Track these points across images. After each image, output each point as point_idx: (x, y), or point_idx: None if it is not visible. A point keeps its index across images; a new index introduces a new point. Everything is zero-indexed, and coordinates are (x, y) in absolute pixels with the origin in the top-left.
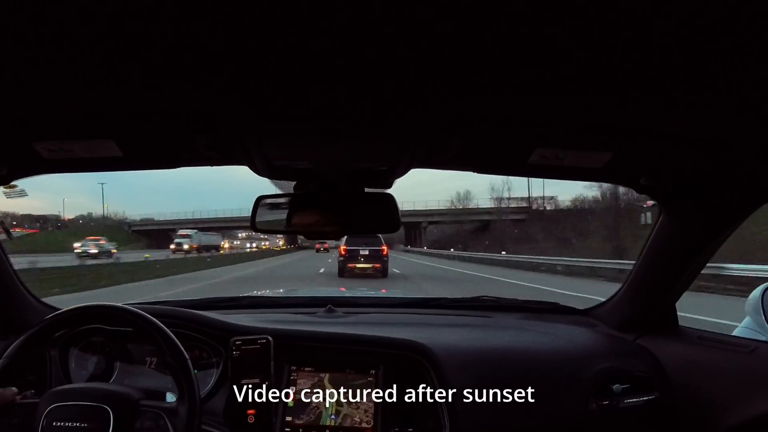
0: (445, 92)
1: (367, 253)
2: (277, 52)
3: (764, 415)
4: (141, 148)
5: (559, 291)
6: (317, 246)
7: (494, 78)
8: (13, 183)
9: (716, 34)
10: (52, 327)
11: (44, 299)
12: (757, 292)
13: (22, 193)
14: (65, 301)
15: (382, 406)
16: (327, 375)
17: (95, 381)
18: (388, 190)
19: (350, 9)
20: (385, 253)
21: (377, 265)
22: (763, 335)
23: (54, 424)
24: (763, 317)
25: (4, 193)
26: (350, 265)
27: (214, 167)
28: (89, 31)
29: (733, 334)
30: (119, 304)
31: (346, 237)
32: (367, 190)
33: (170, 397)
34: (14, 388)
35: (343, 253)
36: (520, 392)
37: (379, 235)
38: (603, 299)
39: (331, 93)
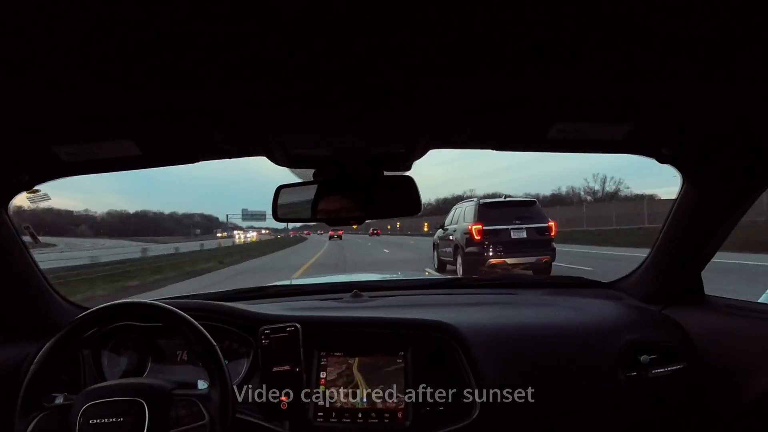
0: (461, 73)
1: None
2: (290, 41)
3: None
4: (160, 146)
5: None
6: (330, 233)
7: (510, 56)
8: (35, 188)
9: (738, 4)
10: (81, 327)
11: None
12: None
13: (45, 198)
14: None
15: (412, 387)
16: (356, 359)
17: (128, 377)
18: (408, 173)
19: None
20: None
21: None
22: None
23: (90, 422)
24: None
25: (28, 198)
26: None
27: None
28: (103, 34)
29: (759, 300)
30: (147, 300)
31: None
32: (386, 173)
33: (202, 384)
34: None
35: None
36: (548, 368)
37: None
38: None
39: (347, 79)
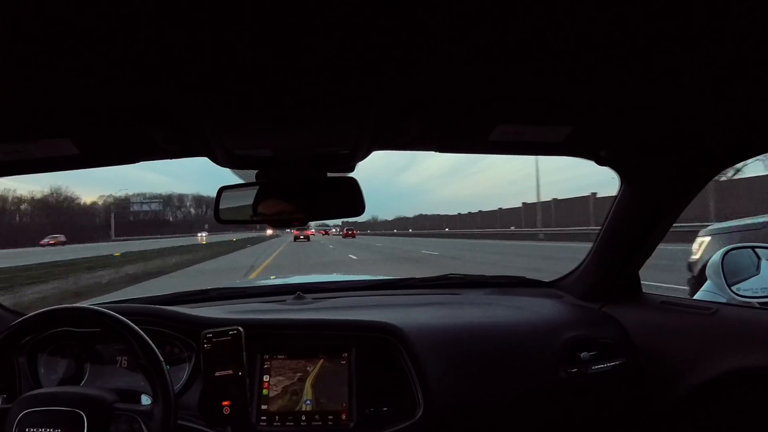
0: (402, 73)
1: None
2: (230, 40)
3: (726, 373)
4: (98, 145)
5: None
6: (296, 233)
7: (451, 57)
8: None
9: (671, 7)
10: (17, 333)
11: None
12: (717, 255)
13: None
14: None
15: (356, 388)
16: (300, 361)
17: (66, 385)
18: (351, 174)
19: None
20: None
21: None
22: (724, 297)
23: (27, 430)
24: (723, 280)
25: None
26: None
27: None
28: (38, 27)
29: (694, 297)
30: (85, 305)
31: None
32: (329, 174)
33: (145, 400)
34: None
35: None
36: (490, 366)
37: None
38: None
39: (288, 78)
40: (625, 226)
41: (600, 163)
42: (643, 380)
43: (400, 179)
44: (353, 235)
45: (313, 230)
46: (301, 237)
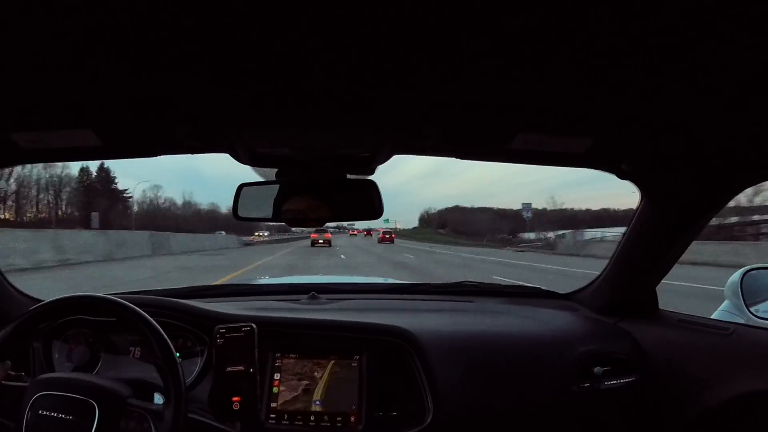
0: (425, 80)
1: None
2: (257, 40)
3: (741, 395)
4: (120, 137)
5: None
6: (313, 236)
7: (473, 65)
8: None
9: (696, 20)
10: (34, 319)
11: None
12: (736, 276)
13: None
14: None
15: (366, 391)
16: (311, 361)
17: (80, 372)
18: (371, 177)
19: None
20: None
21: None
22: (742, 318)
23: (40, 412)
24: (742, 300)
25: None
26: None
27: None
28: (66, 20)
29: (712, 317)
30: (102, 295)
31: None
32: (349, 176)
33: (158, 399)
34: (8, 362)
35: None
36: (502, 376)
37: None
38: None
39: (312, 80)
40: (644, 240)
41: (621, 176)
42: (657, 398)
43: (382, 182)
44: (390, 240)
45: (330, 233)
46: (320, 242)
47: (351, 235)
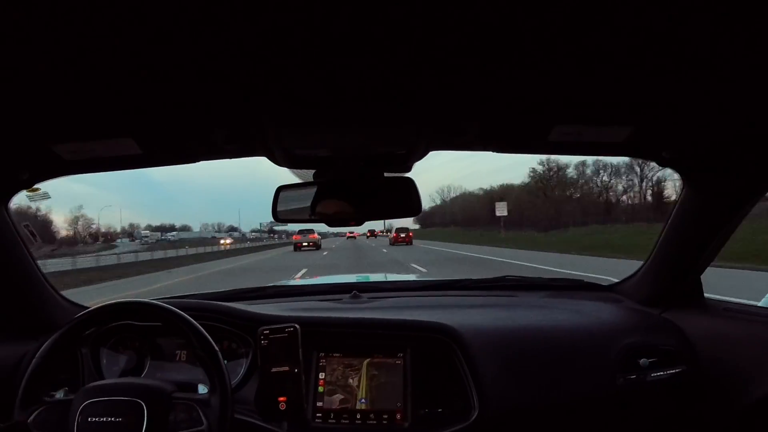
0: (463, 74)
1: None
2: (292, 42)
3: None
4: (160, 145)
5: None
6: (295, 237)
7: (511, 58)
8: (35, 186)
9: (736, 5)
10: (81, 326)
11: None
12: None
13: (46, 196)
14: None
15: (411, 389)
16: (356, 360)
17: (127, 376)
18: (408, 174)
19: None
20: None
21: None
22: None
23: (89, 419)
24: None
25: (28, 197)
26: None
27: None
28: (103, 31)
29: (759, 304)
30: (146, 300)
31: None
32: (386, 174)
33: (202, 389)
34: None
35: None
36: (546, 371)
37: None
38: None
39: (349, 79)
40: (687, 229)
41: (662, 164)
42: (705, 390)
43: None
44: (407, 240)
45: (357, 232)
46: (305, 244)
47: (348, 237)
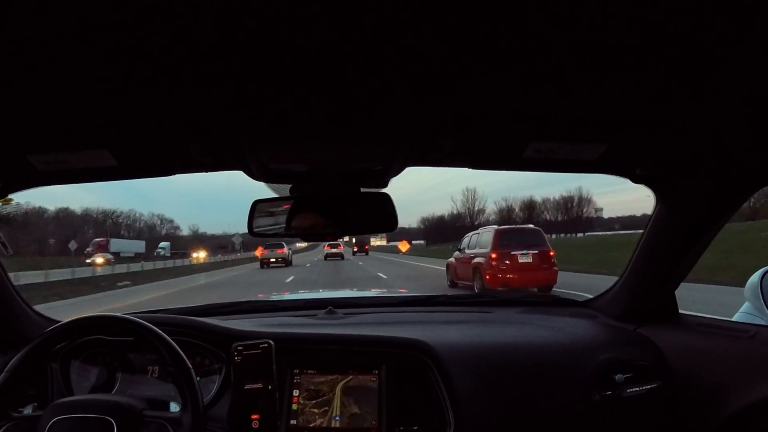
0: (438, 91)
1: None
2: (268, 56)
3: (765, 399)
4: (135, 157)
5: None
6: (326, 248)
7: (486, 75)
8: (8, 197)
9: (708, 24)
10: (51, 340)
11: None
12: (755, 276)
13: (19, 207)
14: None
15: (386, 406)
16: (330, 377)
17: (97, 392)
18: (384, 190)
19: (339, 11)
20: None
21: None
22: (763, 320)
23: None
24: (762, 302)
25: None
26: None
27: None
28: (79, 42)
29: (732, 319)
30: (118, 314)
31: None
32: (362, 190)
33: (174, 407)
34: None
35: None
36: (522, 387)
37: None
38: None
39: (324, 95)
40: (660, 245)
41: (635, 181)
42: (680, 404)
43: None
44: (366, 251)
45: (342, 246)
46: (334, 254)
47: (329, 254)
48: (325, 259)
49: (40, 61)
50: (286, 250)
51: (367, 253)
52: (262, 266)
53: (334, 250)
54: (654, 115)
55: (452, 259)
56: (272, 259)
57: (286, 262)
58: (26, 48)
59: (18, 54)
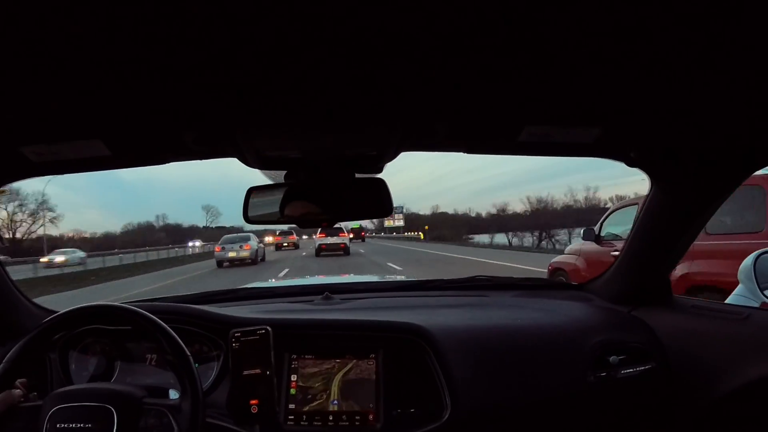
0: (432, 75)
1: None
2: (260, 43)
3: (758, 380)
4: (128, 146)
5: None
6: (319, 235)
7: (481, 59)
8: (1, 188)
9: (700, 9)
10: (50, 330)
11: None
12: (749, 259)
13: (12, 198)
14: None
15: (383, 389)
16: (328, 361)
17: (97, 381)
18: (379, 175)
19: None
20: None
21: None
22: (756, 302)
23: (58, 426)
24: (756, 284)
25: None
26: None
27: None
28: (72, 31)
29: (726, 301)
30: (116, 303)
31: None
32: (357, 175)
33: (173, 394)
34: (19, 390)
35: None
36: (518, 369)
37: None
38: None
39: (318, 81)
40: (655, 228)
41: (630, 164)
42: (673, 386)
43: None
44: (362, 237)
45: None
46: (325, 245)
47: (322, 243)
48: (317, 254)
49: (32, 53)
50: (249, 245)
51: (363, 240)
52: (317, 254)
53: (331, 240)
54: (647, 99)
55: (570, 257)
56: (231, 255)
57: (347, 252)
58: (17, 40)
59: (9, 45)
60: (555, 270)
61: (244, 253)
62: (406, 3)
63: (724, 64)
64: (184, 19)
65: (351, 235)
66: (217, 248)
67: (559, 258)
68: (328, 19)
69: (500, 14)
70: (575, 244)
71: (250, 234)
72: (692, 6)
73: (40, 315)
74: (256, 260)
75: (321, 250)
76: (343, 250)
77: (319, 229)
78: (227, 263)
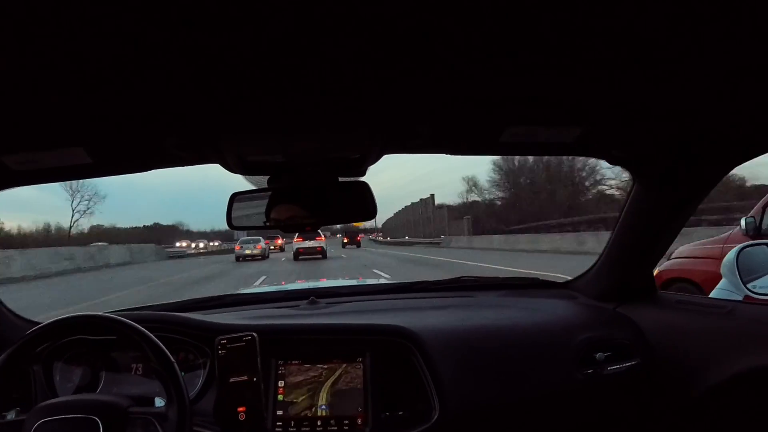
0: (412, 78)
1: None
2: (241, 47)
3: (743, 372)
4: (110, 154)
5: None
6: (298, 239)
7: (459, 60)
8: None
9: (683, 7)
10: (33, 342)
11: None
12: (732, 253)
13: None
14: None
15: (371, 393)
16: (315, 366)
17: (82, 393)
18: (362, 178)
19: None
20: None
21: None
22: (739, 295)
23: None
24: (739, 278)
25: None
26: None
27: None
28: (51, 40)
29: (710, 296)
30: (100, 313)
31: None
32: (341, 179)
33: (159, 402)
34: None
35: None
36: (505, 369)
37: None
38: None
39: (299, 85)
40: (638, 225)
41: (612, 162)
42: (660, 380)
43: None
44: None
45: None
46: (310, 249)
47: (301, 247)
48: (296, 258)
49: (11, 60)
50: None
51: (358, 245)
52: (296, 257)
53: (309, 244)
54: (628, 97)
55: (698, 261)
56: (271, 247)
57: (325, 255)
58: None
59: None
60: (669, 280)
61: (257, 251)
62: (386, 7)
63: (704, 63)
64: (166, 25)
65: (345, 240)
66: (237, 247)
67: (676, 262)
68: (310, 24)
69: (480, 16)
70: (688, 245)
71: (260, 237)
72: (671, 6)
73: (23, 326)
74: (264, 256)
75: (299, 254)
76: (320, 254)
77: (296, 234)
78: (242, 258)
